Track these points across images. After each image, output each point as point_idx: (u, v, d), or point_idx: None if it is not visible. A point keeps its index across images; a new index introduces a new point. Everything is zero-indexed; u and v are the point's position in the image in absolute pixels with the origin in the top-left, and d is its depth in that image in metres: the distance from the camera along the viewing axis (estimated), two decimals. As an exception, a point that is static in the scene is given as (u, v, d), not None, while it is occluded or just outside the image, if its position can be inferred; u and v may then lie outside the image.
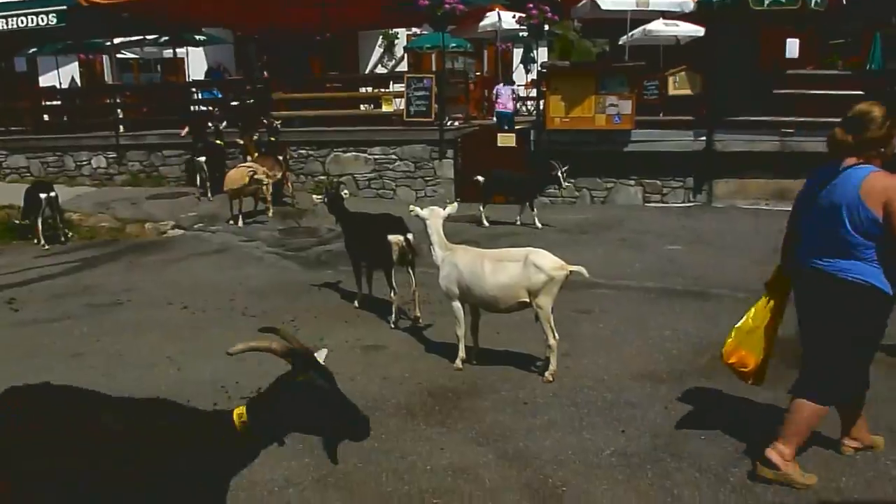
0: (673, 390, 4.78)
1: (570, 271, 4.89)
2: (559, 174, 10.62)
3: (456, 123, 13.90)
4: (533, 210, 10.87)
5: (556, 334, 4.95)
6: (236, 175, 10.86)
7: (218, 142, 12.93)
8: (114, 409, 2.55)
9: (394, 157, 13.45)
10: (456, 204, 5.68)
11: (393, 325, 6.22)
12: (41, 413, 2.51)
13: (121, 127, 14.81)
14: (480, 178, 11.13)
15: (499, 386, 4.92)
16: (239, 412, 2.49)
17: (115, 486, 2.41)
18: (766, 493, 3.59)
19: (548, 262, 4.88)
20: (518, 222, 10.91)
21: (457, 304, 5.18)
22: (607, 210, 11.97)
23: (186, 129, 13.22)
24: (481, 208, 11.17)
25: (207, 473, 2.49)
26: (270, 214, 11.50)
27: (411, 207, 5.55)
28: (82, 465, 2.39)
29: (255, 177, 10.68)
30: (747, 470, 3.78)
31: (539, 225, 10.80)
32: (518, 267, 4.90)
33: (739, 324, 4.11)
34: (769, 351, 4.02)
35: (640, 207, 12.58)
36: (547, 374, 4.97)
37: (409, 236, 6.12)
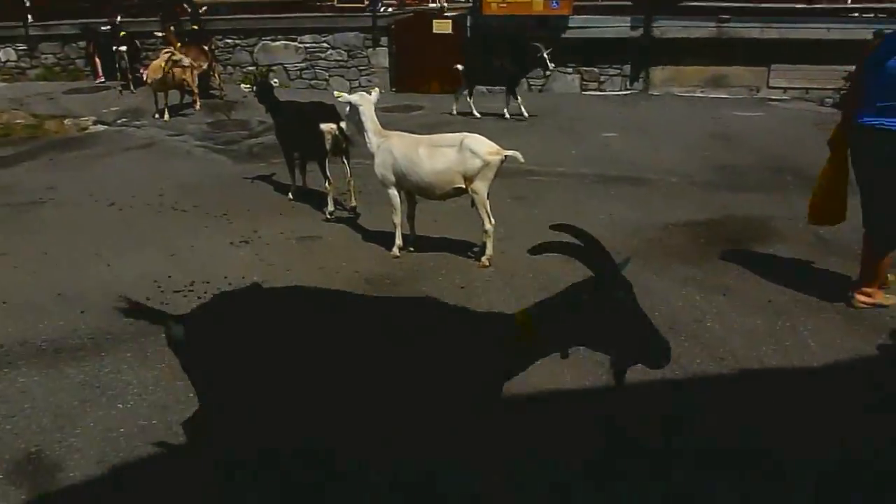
0: (605, 271, 4.88)
1: (506, 156, 4.86)
2: (544, 56, 10.38)
3: (390, 9, 13.38)
4: (517, 99, 10.62)
5: (493, 220, 4.96)
6: (159, 64, 10.32)
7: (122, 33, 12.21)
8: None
9: (325, 45, 12.96)
10: (378, 90, 5.51)
11: (328, 216, 6.14)
12: None
13: (29, 16, 13.78)
14: (460, 67, 10.82)
15: (436, 272, 4.95)
16: (523, 317, 2.32)
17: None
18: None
19: (483, 147, 4.83)
20: (506, 114, 10.67)
21: (393, 192, 5.12)
22: (545, 98, 11.88)
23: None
24: (468, 99, 10.85)
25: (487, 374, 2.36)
26: (198, 107, 11.05)
27: (337, 93, 5.38)
28: None
29: (174, 58, 10.16)
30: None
31: (525, 114, 10.61)
32: (453, 152, 4.84)
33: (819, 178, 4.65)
34: (839, 192, 4.43)
35: (578, 95, 12.51)
36: (484, 259, 5.01)
37: (342, 124, 5.95)
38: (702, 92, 12.51)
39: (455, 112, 10.80)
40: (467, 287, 4.67)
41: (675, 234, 5.63)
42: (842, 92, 10.96)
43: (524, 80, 11.50)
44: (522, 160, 4.94)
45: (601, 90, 12.64)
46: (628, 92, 12.75)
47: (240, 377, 2.34)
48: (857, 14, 12.08)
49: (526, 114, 10.47)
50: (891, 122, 3.92)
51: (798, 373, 3.67)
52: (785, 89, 12.21)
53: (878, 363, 3.74)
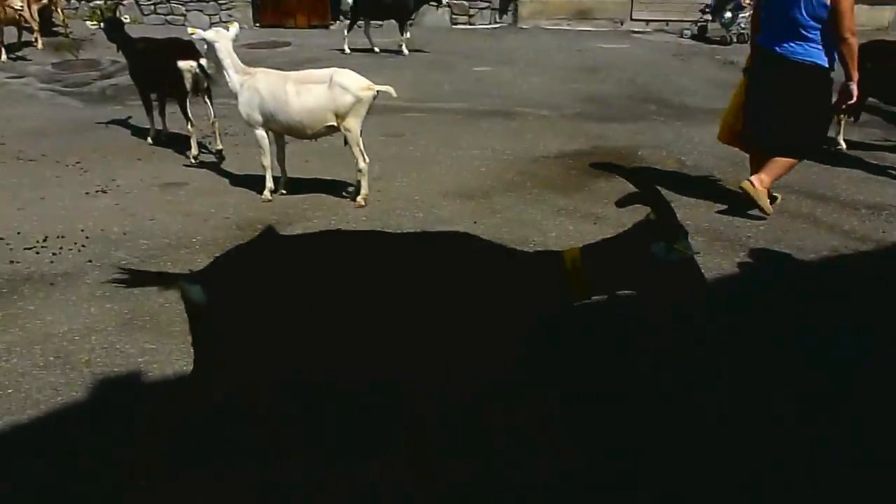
0: (481, 205, 4.92)
1: (378, 91, 4.73)
2: None
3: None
4: (405, 33, 10.35)
5: (367, 158, 4.85)
6: (-12, 0, 9.36)
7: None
8: None
9: (181, -24, 12.16)
10: (237, 25, 5.20)
11: (193, 160, 5.82)
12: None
13: None
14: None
15: (311, 214, 4.81)
16: (573, 256, 2.11)
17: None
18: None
19: (354, 82, 4.68)
20: (402, 47, 10.38)
21: (260, 132, 4.89)
22: (415, 33, 11.68)
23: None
24: (346, 33, 10.50)
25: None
26: (40, 46, 10.16)
27: (191, 30, 5.03)
28: None
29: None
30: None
31: (406, 51, 10.36)
32: (323, 88, 4.66)
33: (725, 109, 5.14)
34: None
35: (448, 29, 12.40)
36: (359, 198, 4.92)
37: (203, 61, 5.60)
38: (568, 25, 12.69)
39: (403, 47, 10.49)
40: (343, 228, 4.58)
41: (547, 165, 5.73)
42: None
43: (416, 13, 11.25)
44: (395, 95, 4.83)
45: (471, 24, 12.56)
46: (497, 25, 12.76)
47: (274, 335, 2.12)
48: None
49: (406, 52, 10.30)
50: (783, 46, 4.37)
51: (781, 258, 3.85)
52: (647, 21, 12.57)
53: (737, 278, 3.98)
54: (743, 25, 11.36)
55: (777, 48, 4.41)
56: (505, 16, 12.80)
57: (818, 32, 4.28)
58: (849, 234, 4.53)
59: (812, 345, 3.30)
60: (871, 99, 5.82)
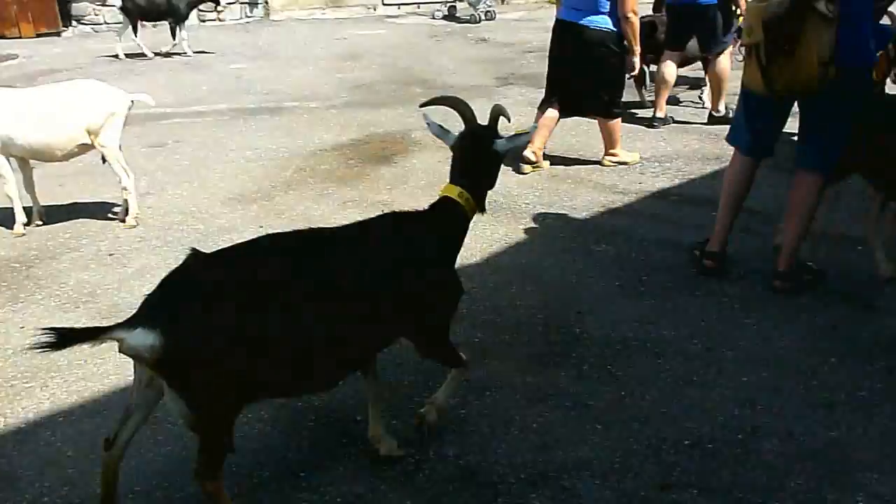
0: (265, 208, 4.76)
1: (133, 101, 4.38)
2: None
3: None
4: (181, 33, 9.62)
5: (131, 173, 4.49)
6: None
7: None
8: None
9: None
10: None
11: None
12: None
13: None
14: (116, 2, 9.31)
15: (75, 243, 4.37)
16: (458, 192, 2.44)
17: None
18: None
19: (105, 94, 4.29)
20: (172, 48, 9.51)
21: (0, 160, 4.34)
22: (159, 34, 10.99)
23: None
24: (135, 37, 9.53)
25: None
26: None
27: None
28: None
29: None
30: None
31: (190, 53, 9.56)
32: (69, 103, 4.21)
33: None
34: None
35: (197, 26, 11.80)
36: (129, 218, 4.54)
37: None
38: (323, 14, 12.60)
39: (170, 49, 9.62)
40: (116, 252, 4.21)
41: (326, 158, 5.66)
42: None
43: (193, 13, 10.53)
44: (153, 103, 4.51)
45: (221, 20, 12.04)
46: (249, 19, 12.38)
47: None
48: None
49: (190, 52, 9.70)
50: (582, 18, 4.88)
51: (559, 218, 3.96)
52: (399, 5, 12.80)
53: (525, 243, 4.20)
54: (489, 3, 11.94)
55: (577, 19, 4.90)
56: (256, 9, 12.42)
57: (608, 6, 4.81)
58: (611, 189, 4.95)
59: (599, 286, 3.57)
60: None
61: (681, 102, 7.07)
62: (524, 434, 2.63)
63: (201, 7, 11.75)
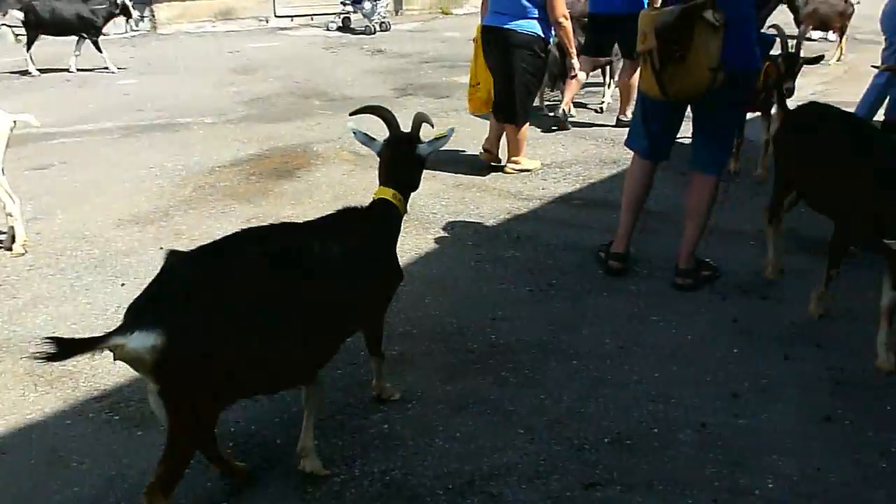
0: (163, 229, 4.57)
1: (15, 122, 4.12)
2: (126, 3, 9.12)
3: None
4: (100, 51, 9.08)
5: (15, 198, 4.22)
6: None
7: None
8: None
9: None
10: None
11: None
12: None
13: None
14: (18, 14, 8.62)
15: (-43, 275, 4.07)
16: (392, 193, 2.62)
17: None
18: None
19: (-20, 116, 4.02)
20: (72, 68, 8.95)
21: None
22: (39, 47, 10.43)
23: None
24: (27, 53, 8.85)
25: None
26: None
27: None
28: None
29: None
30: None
31: (114, 69, 9.07)
32: (-59, 127, 3.93)
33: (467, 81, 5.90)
34: (486, 84, 5.49)
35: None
36: (16, 246, 4.26)
37: None
38: (213, 26, 12.29)
39: (73, 69, 9.15)
40: (5, 283, 3.94)
41: (225, 175, 5.50)
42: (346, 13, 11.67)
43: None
44: (37, 123, 4.27)
45: (104, 34, 11.54)
46: (135, 33, 11.92)
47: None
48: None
49: (114, 68, 9.23)
50: (509, 23, 4.94)
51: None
52: (292, 17, 12.64)
53: (435, 253, 4.21)
54: (383, 14, 11.96)
55: (503, 24, 4.95)
56: (141, 23, 11.97)
57: (537, 11, 4.89)
58: (516, 196, 5.04)
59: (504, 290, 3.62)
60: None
61: (578, 108, 7.28)
62: (449, 444, 2.63)
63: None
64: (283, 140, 6.32)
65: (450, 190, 5.15)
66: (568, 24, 5.07)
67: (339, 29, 12.19)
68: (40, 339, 1.72)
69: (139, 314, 1.92)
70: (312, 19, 12.69)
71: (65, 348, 1.75)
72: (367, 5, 11.76)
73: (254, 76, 8.92)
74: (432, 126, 2.78)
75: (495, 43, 5.08)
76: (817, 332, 3.35)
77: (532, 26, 4.93)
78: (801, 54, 4.77)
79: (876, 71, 5.35)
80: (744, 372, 3.06)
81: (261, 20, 12.45)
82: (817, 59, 4.75)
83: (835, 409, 2.80)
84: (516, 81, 5.06)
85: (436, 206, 4.86)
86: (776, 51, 4.83)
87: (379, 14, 11.85)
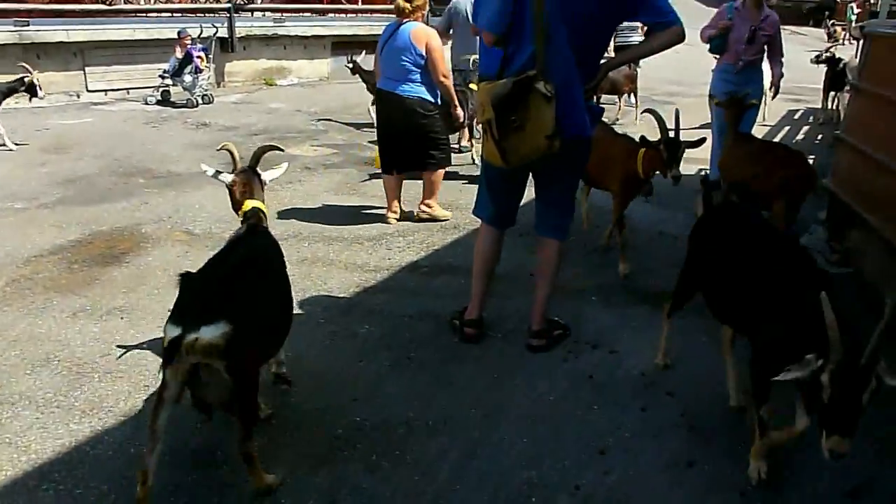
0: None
1: None
2: (34, 81, 8.41)
3: None
4: None
5: None
6: None
7: None
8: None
9: None
10: None
11: None
12: None
13: None
14: None
15: None
16: (256, 205, 3.16)
17: None
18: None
19: None
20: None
21: None
22: None
23: None
24: None
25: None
26: None
27: None
28: None
29: None
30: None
31: (12, 146, 8.14)
32: None
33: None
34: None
35: None
36: None
37: None
38: (16, 102, 11.37)
39: None
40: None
41: (44, 265, 5.01)
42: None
43: None
44: None
45: None
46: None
47: None
48: (157, 14, 12.54)
49: (13, 146, 8.24)
50: (398, 87, 5.38)
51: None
52: (106, 91, 12.01)
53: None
54: (205, 86, 11.65)
55: (394, 89, 5.38)
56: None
57: (420, 74, 5.33)
58: (363, 268, 4.98)
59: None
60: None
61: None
62: (325, 542, 2.48)
63: None
64: (106, 223, 5.89)
65: (293, 267, 4.95)
66: (449, 81, 5.53)
67: (158, 102, 11.69)
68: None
69: (190, 314, 2.40)
70: (129, 93, 12.11)
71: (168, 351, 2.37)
72: (187, 78, 11.40)
73: (68, 154, 8.31)
74: (281, 150, 3.68)
75: (389, 105, 5.50)
76: (666, 381, 3.53)
77: (418, 90, 5.38)
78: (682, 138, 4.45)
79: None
80: (606, 427, 3.14)
81: (71, 95, 11.69)
82: (699, 143, 4.43)
83: (694, 455, 2.94)
84: (425, 137, 5.51)
85: (281, 283, 4.69)
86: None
87: (200, 86, 11.52)
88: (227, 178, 3.25)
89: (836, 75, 10.46)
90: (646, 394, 3.41)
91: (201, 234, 5.61)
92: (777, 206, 4.82)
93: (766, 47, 6.14)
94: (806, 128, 10.67)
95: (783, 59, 6.23)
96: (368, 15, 14.71)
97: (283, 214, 6.05)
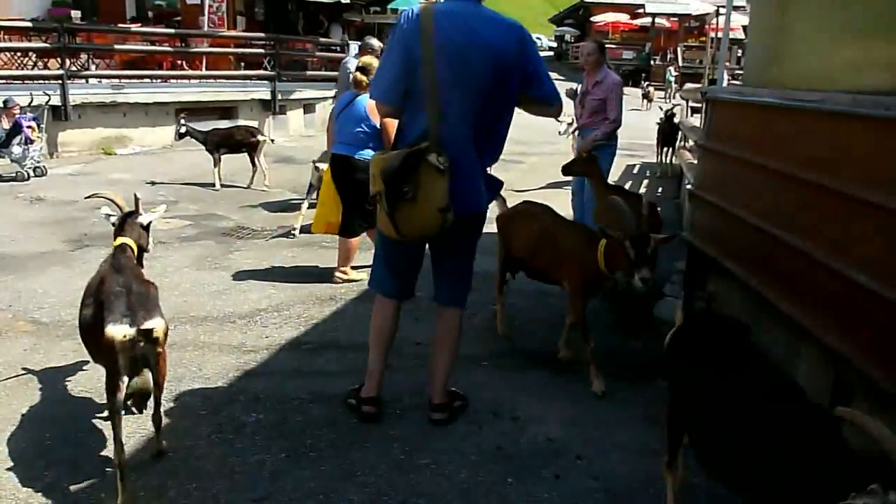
0: None
1: None
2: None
3: None
4: None
5: None
6: None
7: None
8: None
9: None
10: None
11: None
12: None
13: None
14: None
15: None
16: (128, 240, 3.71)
17: None
18: None
19: None
20: None
21: None
22: None
23: None
24: None
25: None
26: None
27: None
28: None
29: None
30: None
31: None
32: None
33: (318, 202, 6.58)
34: (334, 206, 6.05)
35: None
36: None
37: None
38: None
39: None
40: None
41: None
42: None
43: None
44: None
45: None
46: None
47: None
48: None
49: None
50: (350, 149, 5.54)
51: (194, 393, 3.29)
52: (-84, 167, 10.81)
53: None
54: (37, 158, 10.79)
55: (350, 153, 5.53)
56: None
57: (372, 142, 5.43)
58: (240, 349, 4.67)
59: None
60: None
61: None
62: None
63: None
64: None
65: (170, 349, 4.58)
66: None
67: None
68: None
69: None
70: (-55, 168, 10.98)
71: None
72: (16, 149, 10.48)
73: None
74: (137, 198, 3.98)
75: (340, 169, 5.67)
76: (573, 444, 3.51)
77: (368, 155, 5.36)
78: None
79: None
80: (525, 501, 3.06)
81: None
82: (671, 238, 3.94)
83: (616, 521, 2.91)
84: (358, 200, 5.50)
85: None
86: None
87: (32, 158, 10.63)
88: (116, 219, 3.83)
89: (669, 132, 11.35)
90: (556, 460, 3.37)
91: (50, 323, 5.06)
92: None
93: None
94: (646, 181, 11.39)
95: (613, 121, 6.31)
96: (213, 80, 14.30)
97: (143, 295, 5.58)
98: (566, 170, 5.96)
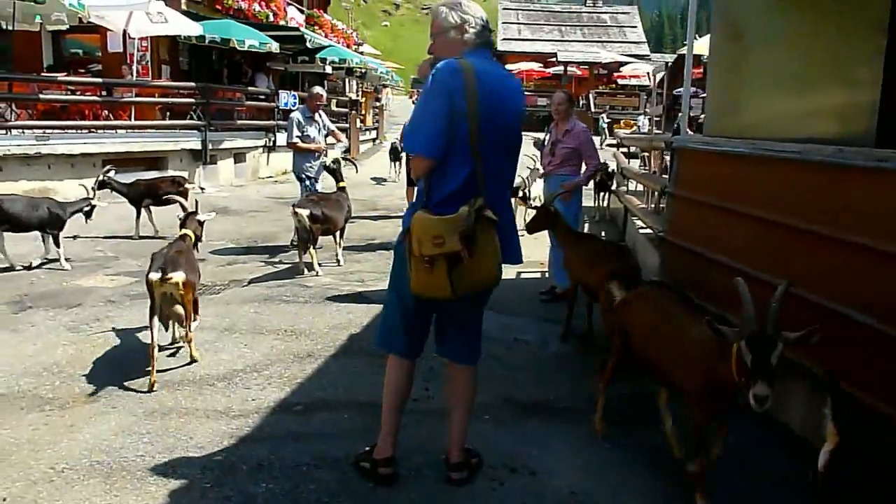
0: None
1: None
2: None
3: None
4: (59, 246, 7.42)
5: None
6: None
7: None
8: None
9: None
10: None
11: None
12: None
13: None
14: None
15: None
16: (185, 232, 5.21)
17: None
18: None
19: None
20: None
21: None
22: None
23: None
24: None
25: None
26: None
27: None
28: None
29: None
30: None
31: (67, 266, 7.20)
32: None
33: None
34: None
35: None
36: None
37: None
38: None
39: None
40: None
41: None
42: None
43: None
44: None
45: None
46: None
47: None
48: None
49: (68, 266, 7.28)
50: None
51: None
52: None
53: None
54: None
55: None
56: None
57: None
58: (227, 413, 4.45)
59: None
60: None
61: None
62: None
63: None
64: None
65: (144, 421, 4.32)
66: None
67: None
68: None
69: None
70: None
71: None
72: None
73: None
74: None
75: None
76: (599, 496, 3.49)
77: None
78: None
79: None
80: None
81: None
82: (812, 335, 2.78)
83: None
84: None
85: (136, 446, 3.99)
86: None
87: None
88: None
89: (602, 180, 11.84)
90: (587, 515, 3.34)
91: (8, 394, 4.70)
92: (603, 296, 5.04)
93: (579, 156, 6.74)
94: (587, 225, 11.66)
95: (593, 165, 6.84)
96: (141, 131, 13.88)
97: (102, 362, 5.24)
98: (530, 229, 6.04)
